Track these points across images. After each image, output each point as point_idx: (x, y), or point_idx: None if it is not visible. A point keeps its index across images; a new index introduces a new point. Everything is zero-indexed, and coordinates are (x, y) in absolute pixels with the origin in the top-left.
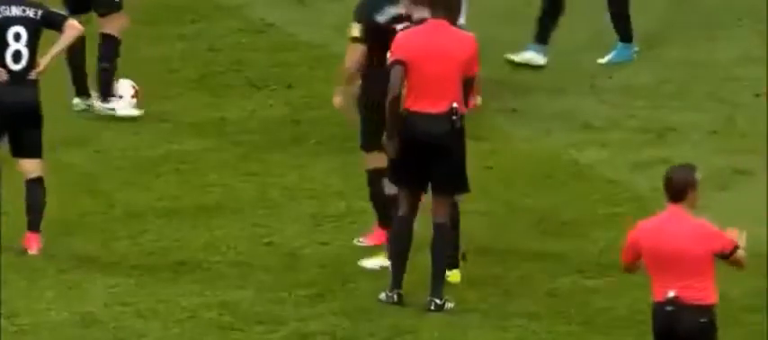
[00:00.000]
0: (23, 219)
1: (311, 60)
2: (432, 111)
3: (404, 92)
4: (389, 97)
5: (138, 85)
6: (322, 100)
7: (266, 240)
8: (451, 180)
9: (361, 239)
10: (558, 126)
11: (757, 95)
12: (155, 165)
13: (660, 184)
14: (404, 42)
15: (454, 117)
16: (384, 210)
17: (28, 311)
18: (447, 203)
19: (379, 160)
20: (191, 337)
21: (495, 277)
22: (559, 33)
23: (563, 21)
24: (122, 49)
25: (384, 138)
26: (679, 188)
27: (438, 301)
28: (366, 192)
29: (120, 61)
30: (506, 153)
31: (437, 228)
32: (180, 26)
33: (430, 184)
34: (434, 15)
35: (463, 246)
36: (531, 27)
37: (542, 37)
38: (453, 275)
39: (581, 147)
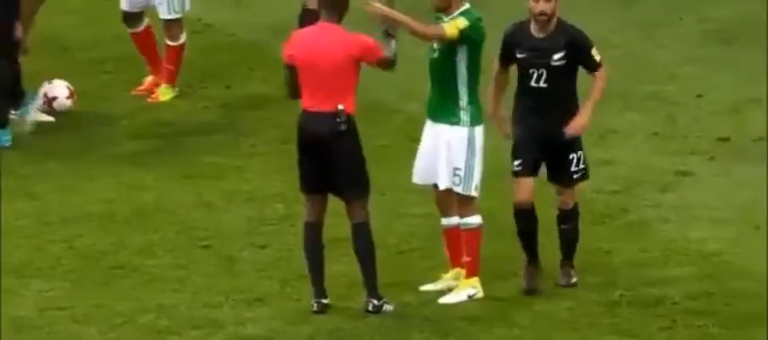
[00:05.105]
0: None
1: (249, 61)
2: (318, 110)
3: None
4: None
5: (73, 86)
6: (260, 101)
7: (203, 243)
8: (346, 183)
9: None
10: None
11: (699, 96)
12: (90, 167)
13: (603, 186)
14: (292, 43)
15: (338, 118)
16: None
17: None
18: (357, 205)
19: None
20: None
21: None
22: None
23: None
24: (58, 49)
25: None
26: None
27: (375, 302)
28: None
29: (56, 62)
30: None
31: (354, 228)
32: (116, 27)
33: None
34: (326, 17)
35: None
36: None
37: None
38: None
39: None
